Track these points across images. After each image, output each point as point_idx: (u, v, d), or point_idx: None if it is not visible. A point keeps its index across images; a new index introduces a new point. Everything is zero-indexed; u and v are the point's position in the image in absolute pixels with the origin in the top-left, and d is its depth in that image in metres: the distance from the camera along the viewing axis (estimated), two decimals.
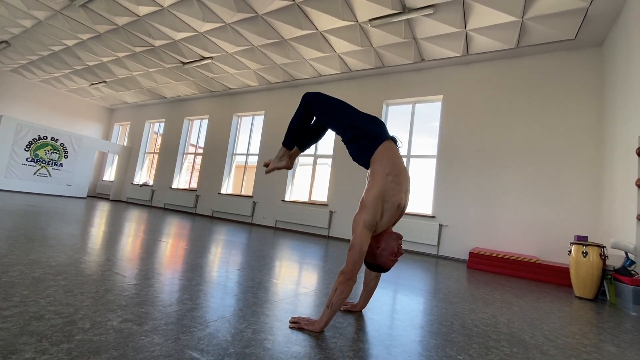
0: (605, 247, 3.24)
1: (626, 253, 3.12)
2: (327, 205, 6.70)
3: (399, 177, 1.47)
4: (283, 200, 7.30)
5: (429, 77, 6.08)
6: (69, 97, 11.44)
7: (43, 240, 2.64)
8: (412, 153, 6.22)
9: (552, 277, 3.96)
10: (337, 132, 1.70)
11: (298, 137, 1.85)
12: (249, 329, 1.34)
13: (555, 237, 4.58)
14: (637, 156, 3.32)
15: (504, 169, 5.12)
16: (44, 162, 9.59)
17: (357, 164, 1.66)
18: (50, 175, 9.73)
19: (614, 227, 3.80)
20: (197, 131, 10.11)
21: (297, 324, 1.42)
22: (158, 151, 10.65)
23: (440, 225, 5.45)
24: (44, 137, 9.58)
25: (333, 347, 1.26)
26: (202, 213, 8.74)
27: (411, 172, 6.22)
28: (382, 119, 5.34)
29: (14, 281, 1.56)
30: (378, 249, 1.47)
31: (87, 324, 1.19)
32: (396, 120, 6.55)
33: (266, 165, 1.98)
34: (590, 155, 4.59)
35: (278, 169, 1.96)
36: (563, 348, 1.57)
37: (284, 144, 1.87)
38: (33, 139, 9.39)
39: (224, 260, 2.85)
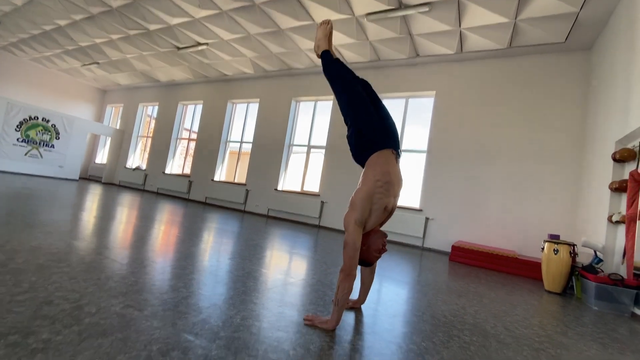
0: (575, 245, 3.47)
1: (595, 252, 3.36)
2: (318, 195, 6.86)
3: (388, 184, 1.61)
4: (276, 190, 7.43)
5: (422, 72, 6.16)
6: (60, 76, 11.23)
7: (41, 227, 2.74)
8: (403, 147, 6.35)
9: (528, 271, 4.20)
10: (345, 121, 1.81)
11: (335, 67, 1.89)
12: (238, 316, 1.49)
13: (535, 234, 4.81)
14: (612, 160, 3.52)
15: (491, 166, 5.30)
16: (35, 143, 9.52)
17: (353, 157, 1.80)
18: (41, 157, 9.68)
19: (588, 226, 4.03)
20: (191, 116, 10.08)
21: (311, 322, 1.54)
22: (151, 135, 10.61)
23: (427, 219, 5.65)
24: (34, 117, 9.47)
25: (312, 333, 1.43)
26: (195, 199, 8.84)
27: (401, 166, 6.36)
28: None
29: (21, 268, 1.68)
30: (364, 245, 1.61)
31: (92, 309, 1.33)
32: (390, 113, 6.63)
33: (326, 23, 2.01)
34: (571, 157, 4.78)
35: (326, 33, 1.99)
36: (519, 338, 1.77)
37: (325, 52, 1.93)
38: (24, 119, 9.28)
39: (215, 248, 3.00)
